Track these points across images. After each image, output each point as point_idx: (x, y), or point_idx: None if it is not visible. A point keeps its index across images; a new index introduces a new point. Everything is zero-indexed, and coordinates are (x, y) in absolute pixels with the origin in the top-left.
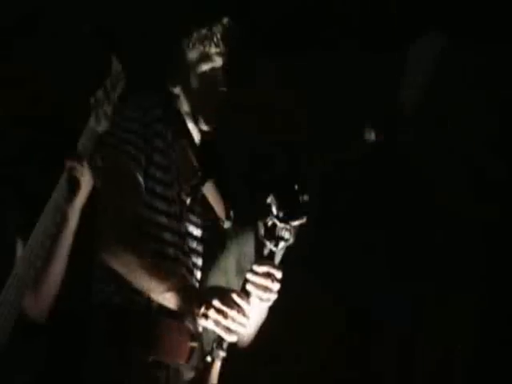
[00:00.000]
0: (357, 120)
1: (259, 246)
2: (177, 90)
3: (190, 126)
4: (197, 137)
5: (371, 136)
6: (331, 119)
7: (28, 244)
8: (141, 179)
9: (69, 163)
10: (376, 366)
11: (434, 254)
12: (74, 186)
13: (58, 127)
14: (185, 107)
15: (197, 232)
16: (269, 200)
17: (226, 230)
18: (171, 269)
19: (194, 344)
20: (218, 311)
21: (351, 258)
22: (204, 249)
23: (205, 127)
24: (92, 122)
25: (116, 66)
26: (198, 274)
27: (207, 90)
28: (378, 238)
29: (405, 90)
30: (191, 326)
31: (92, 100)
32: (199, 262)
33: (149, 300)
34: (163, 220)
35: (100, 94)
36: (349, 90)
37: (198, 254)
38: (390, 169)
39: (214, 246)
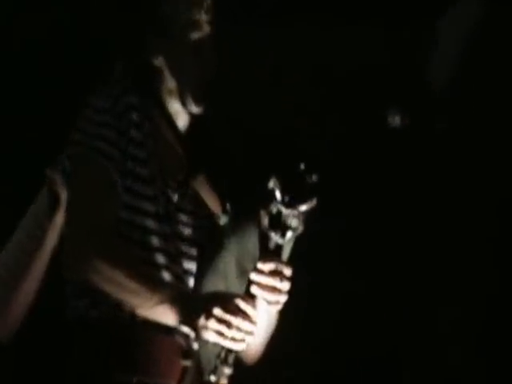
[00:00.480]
0: (379, 102)
1: (263, 240)
2: (158, 62)
3: (176, 107)
4: (183, 121)
5: (395, 121)
6: (349, 101)
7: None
8: (117, 178)
9: (51, 175)
10: None
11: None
12: (54, 200)
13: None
14: (169, 84)
15: (188, 233)
16: (271, 184)
17: (222, 228)
18: (161, 278)
19: (187, 362)
20: (220, 321)
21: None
22: (198, 252)
23: (193, 109)
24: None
25: None
26: (192, 282)
27: (196, 62)
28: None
29: (435, 67)
30: (183, 341)
31: None
32: (192, 267)
33: (132, 312)
34: (147, 222)
35: None
36: (370, 68)
37: (190, 258)
38: (418, 160)
39: (210, 247)
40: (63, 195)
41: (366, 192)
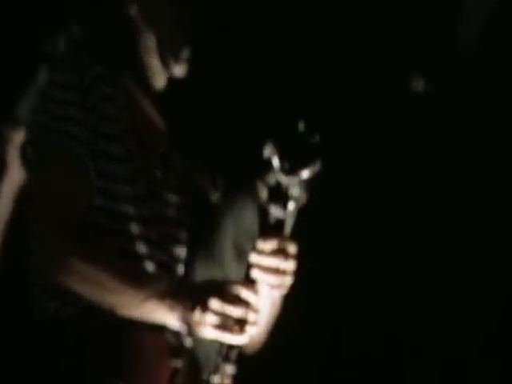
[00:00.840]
0: (401, 65)
1: (262, 216)
2: (134, 11)
3: (155, 68)
4: (163, 84)
5: (419, 86)
6: (367, 63)
7: None
8: (88, 162)
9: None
10: None
11: None
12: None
13: None
14: (148, 40)
15: (174, 214)
16: (267, 150)
17: (214, 205)
18: (146, 270)
19: (178, 363)
20: (219, 313)
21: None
22: (187, 235)
23: (176, 70)
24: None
25: None
26: (182, 270)
27: (171, 11)
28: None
29: (464, 26)
30: (173, 339)
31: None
32: (182, 253)
33: (114, 311)
34: (126, 207)
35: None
36: (390, 28)
37: (179, 243)
38: (443, 130)
39: (201, 228)
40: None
41: (373, 160)
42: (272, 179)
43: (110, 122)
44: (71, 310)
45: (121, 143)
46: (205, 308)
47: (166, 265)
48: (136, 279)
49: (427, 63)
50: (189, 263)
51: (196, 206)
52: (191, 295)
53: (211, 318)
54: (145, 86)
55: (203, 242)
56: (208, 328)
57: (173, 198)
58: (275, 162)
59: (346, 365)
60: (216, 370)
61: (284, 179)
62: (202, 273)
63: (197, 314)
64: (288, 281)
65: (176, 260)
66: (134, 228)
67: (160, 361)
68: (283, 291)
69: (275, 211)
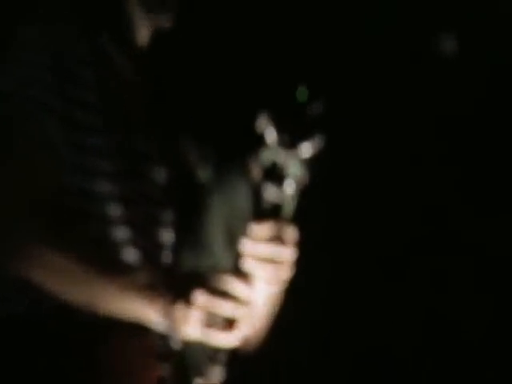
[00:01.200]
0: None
1: (257, 197)
2: None
3: (137, 19)
4: (146, 39)
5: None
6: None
7: None
8: (59, 135)
9: None
10: None
11: None
12: None
13: None
14: None
15: (159, 195)
16: (261, 122)
17: (203, 183)
18: (124, 257)
19: (165, 367)
20: (204, 309)
21: None
22: (173, 217)
23: (159, 19)
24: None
25: None
26: (167, 258)
27: None
28: None
29: None
30: (158, 341)
31: None
32: (167, 238)
33: (87, 309)
34: (104, 185)
35: None
36: None
37: (163, 226)
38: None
39: (189, 209)
40: None
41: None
42: (268, 155)
43: (85, 89)
44: (42, 307)
45: (99, 113)
46: (189, 302)
47: (150, 252)
48: (113, 269)
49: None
50: (174, 250)
51: (183, 186)
52: (174, 287)
53: (196, 315)
54: (127, 46)
55: (191, 225)
56: (192, 326)
57: (157, 176)
58: (271, 135)
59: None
60: (202, 373)
61: (282, 155)
62: (189, 261)
63: (180, 309)
64: (286, 274)
65: (160, 247)
66: (114, 210)
67: (144, 366)
68: (280, 285)
69: (272, 191)
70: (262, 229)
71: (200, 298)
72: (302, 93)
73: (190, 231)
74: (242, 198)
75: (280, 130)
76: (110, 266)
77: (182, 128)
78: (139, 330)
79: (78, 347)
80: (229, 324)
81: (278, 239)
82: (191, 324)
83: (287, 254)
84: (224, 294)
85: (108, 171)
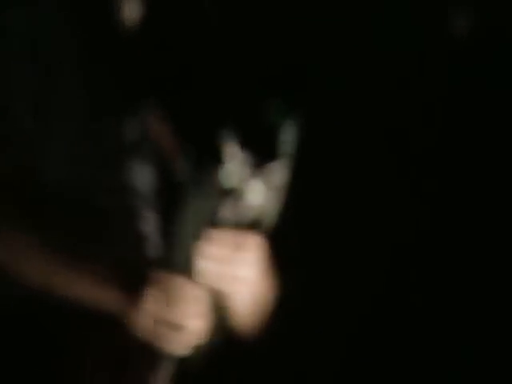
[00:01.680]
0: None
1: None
2: None
3: None
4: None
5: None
6: None
7: None
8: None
9: None
10: None
11: None
12: None
13: None
14: None
15: (139, 186)
16: (226, 138)
17: (183, 177)
18: (92, 245)
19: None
20: (151, 313)
21: None
22: (152, 212)
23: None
24: None
25: None
26: (146, 251)
27: None
28: None
29: None
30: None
31: None
32: (144, 230)
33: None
34: (78, 174)
35: None
36: None
37: (142, 219)
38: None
39: (168, 206)
40: None
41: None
42: (229, 172)
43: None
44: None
45: (81, 98)
46: (137, 303)
47: (126, 243)
48: (77, 257)
49: None
50: (148, 245)
51: (164, 181)
52: (126, 284)
53: (143, 318)
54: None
55: (168, 221)
56: (142, 325)
57: (139, 167)
58: (234, 152)
59: None
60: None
61: (243, 174)
62: (163, 257)
63: (129, 308)
64: (242, 286)
65: (139, 238)
66: (93, 199)
67: (124, 364)
68: (239, 297)
69: (228, 210)
70: (217, 235)
71: (147, 299)
72: (275, 112)
73: (167, 227)
74: (209, 203)
75: (245, 148)
76: (73, 254)
77: (161, 115)
78: (108, 321)
79: (46, 334)
80: (174, 331)
81: (234, 246)
82: (139, 325)
83: (240, 265)
84: (174, 298)
85: (85, 158)
